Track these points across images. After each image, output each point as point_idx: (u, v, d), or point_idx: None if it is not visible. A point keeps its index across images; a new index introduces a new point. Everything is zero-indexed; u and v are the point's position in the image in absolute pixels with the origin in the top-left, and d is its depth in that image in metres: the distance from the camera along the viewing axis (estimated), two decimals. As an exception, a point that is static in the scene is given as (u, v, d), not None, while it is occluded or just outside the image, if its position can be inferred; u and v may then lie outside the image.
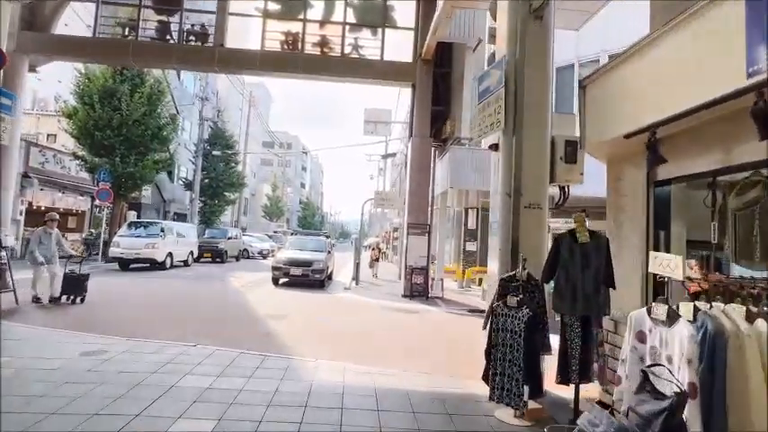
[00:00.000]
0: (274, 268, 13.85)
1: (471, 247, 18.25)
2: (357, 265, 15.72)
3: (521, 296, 3.99)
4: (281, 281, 14.14)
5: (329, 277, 16.35)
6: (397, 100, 40.78)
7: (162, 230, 16.59)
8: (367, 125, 18.96)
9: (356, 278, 15.54)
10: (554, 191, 5.22)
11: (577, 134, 5.05)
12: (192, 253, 19.35)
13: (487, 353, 4.19)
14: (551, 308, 4.12)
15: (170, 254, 16.85)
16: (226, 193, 29.96)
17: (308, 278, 13.66)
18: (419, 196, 13.37)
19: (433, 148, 13.96)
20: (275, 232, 37.15)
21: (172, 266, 16.99)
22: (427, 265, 13.01)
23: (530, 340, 3.76)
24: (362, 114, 19.82)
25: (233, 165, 30.35)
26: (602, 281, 3.92)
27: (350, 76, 13.53)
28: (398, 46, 13.82)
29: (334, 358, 5.60)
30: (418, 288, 12.69)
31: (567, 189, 5.10)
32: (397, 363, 5.63)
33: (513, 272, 4.28)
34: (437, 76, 13.99)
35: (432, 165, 13.83)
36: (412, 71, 13.63)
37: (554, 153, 4.88)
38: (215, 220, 29.12)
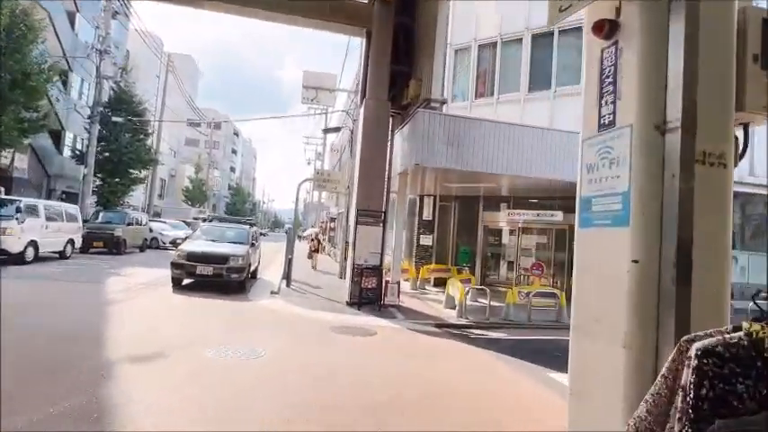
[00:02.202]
0: (175, 265, 10.26)
1: (426, 240, 15.74)
2: (289, 262, 12.51)
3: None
4: (187, 282, 10.65)
5: (253, 275, 12.99)
6: (343, 67, 37.29)
7: (19, 210, 12.18)
8: (306, 91, 15.63)
9: (288, 278, 12.34)
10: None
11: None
12: (72, 242, 14.94)
13: None
14: None
15: (33, 242, 12.50)
16: (131, 170, 24.93)
17: (222, 279, 10.25)
18: (372, 176, 10.45)
19: (390, 118, 11.08)
20: (195, 219, 32.35)
21: (36, 259, 12.65)
22: (381, 264, 10.16)
23: None
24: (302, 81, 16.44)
25: (141, 136, 25.35)
26: None
27: (285, 11, 10.21)
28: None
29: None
30: (369, 294, 9.81)
31: (746, 131, 2.41)
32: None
33: (749, 328, 1.47)
34: (398, 26, 11.05)
35: (389, 136, 10.95)
36: (367, 14, 10.61)
37: (740, 48, 2.16)
38: (116, 201, 24.12)
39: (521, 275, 14.43)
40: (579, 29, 13.47)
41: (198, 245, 10.89)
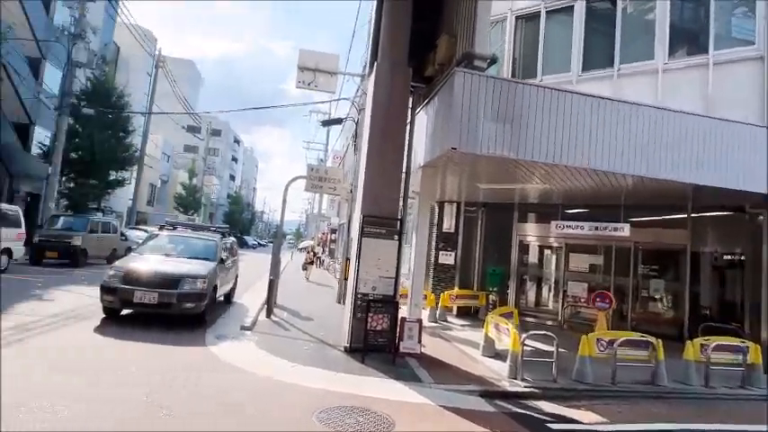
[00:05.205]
0: (106, 289, 7.25)
1: (447, 258, 12.68)
2: (272, 285, 9.46)
3: None
4: (127, 312, 7.68)
5: (227, 299, 10.04)
6: (350, 49, 34.70)
7: None
8: (302, 73, 12.72)
9: (271, 306, 9.31)
10: None
11: None
12: (8, 251, 12.01)
13: None
14: None
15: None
16: (110, 172, 22.17)
17: (171, 309, 7.23)
18: (384, 170, 7.47)
19: (410, 93, 8.15)
20: (183, 227, 29.31)
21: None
22: (395, 295, 7.11)
23: None
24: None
25: (121, 134, 22.58)
26: None
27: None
28: None
29: None
30: (377, 338, 6.74)
31: None
32: None
33: None
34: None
35: (409, 116, 8.01)
36: (382, -51, 7.77)
37: None
38: (87, 204, 21.26)
39: (569, 306, 11.31)
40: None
41: (142, 261, 7.88)
